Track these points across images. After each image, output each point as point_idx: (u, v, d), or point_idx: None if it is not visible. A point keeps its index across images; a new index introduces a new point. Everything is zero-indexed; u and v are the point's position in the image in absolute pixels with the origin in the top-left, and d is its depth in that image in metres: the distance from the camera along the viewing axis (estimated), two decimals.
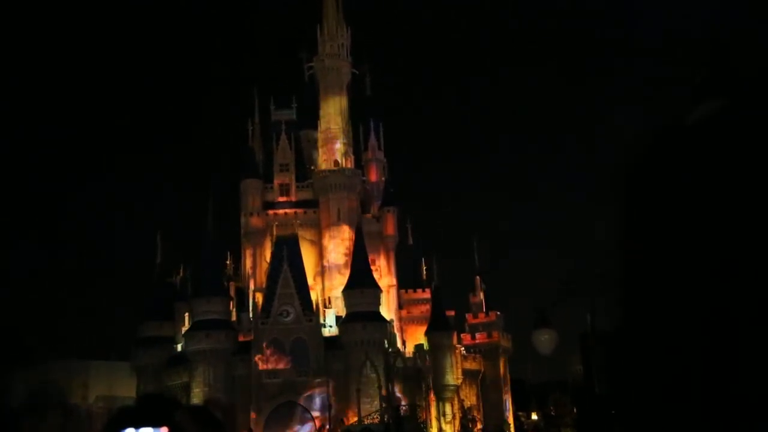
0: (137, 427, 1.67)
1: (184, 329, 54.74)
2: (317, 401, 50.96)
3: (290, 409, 51.01)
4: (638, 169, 1.01)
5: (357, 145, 64.82)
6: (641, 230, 0.99)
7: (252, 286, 58.53)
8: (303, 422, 50.85)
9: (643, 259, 0.98)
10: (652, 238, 0.98)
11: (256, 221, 60.50)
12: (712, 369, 0.88)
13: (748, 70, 1.00)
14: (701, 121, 0.99)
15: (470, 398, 61.65)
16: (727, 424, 0.87)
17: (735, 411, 0.87)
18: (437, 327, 58.70)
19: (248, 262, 60.64)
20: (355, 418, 49.24)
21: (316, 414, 50.70)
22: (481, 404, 62.71)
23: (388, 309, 58.77)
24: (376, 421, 48.34)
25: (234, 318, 54.95)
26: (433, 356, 57.34)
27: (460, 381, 59.05)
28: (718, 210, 0.91)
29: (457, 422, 57.96)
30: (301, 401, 51.02)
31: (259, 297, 55.16)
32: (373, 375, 51.74)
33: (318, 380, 51.14)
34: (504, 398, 64.27)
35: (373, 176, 65.82)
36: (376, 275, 57.60)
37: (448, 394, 57.93)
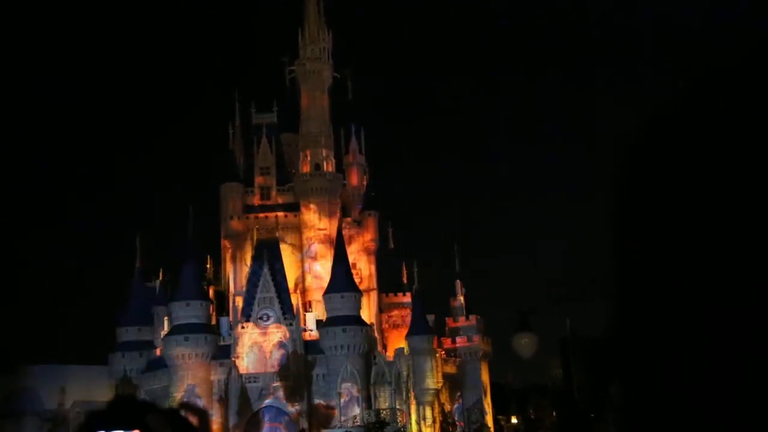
0: (109, 430, 1.64)
1: (163, 333, 54.37)
2: (297, 405, 50.82)
3: (270, 413, 50.83)
4: (633, 166, 1.01)
5: (338, 149, 64.81)
6: (637, 228, 0.99)
7: (232, 290, 58.30)
8: (283, 426, 50.66)
9: (640, 257, 0.98)
10: (647, 236, 0.98)
11: (236, 225, 60.31)
12: (711, 368, 0.88)
13: (739, 67, 1.00)
14: (694, 118, 0.99)
15: (450, 402, 61.71)
16: (727, 423, 0.87)
17: (736, 410, 0.87)
18: (417, 331, 58.74)
19: (228, 266, 60.42)
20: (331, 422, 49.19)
21: (295, 418, 50.55)
22: (461, 408, 62.79)
23: (368, 313, 58.77)
24: (357, 424, 48.34)
25: (214, 322, 54.68)
26: (413, 360, 57.36)
27: (440, 385, 59.11)
28: (714, 206, 0.91)
29: (438, 426, 57.98)
30: (281, 405, 50.85)
31: (240, 301, 54.93)
32: (354, 379, 51.72)
33: (297, 384, 51.01)
34: (484, 402, 64.39)
35: (354, 180, 65.83)
36: (356, 279, 57.58)
37: (429, 398, 57.95)
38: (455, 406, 61.17)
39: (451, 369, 62.16)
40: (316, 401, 51.55)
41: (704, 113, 0.99)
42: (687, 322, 0.90)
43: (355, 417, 49.69)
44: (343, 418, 50.00)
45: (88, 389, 61.12)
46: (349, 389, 51.72)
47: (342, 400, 51.41)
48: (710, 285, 0.88)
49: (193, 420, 1.68)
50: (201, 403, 47.20)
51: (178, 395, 49.91)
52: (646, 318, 0.95)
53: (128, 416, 1.66)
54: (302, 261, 59.99)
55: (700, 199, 0.91)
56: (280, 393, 50.82)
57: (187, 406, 1.72)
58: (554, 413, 61.28)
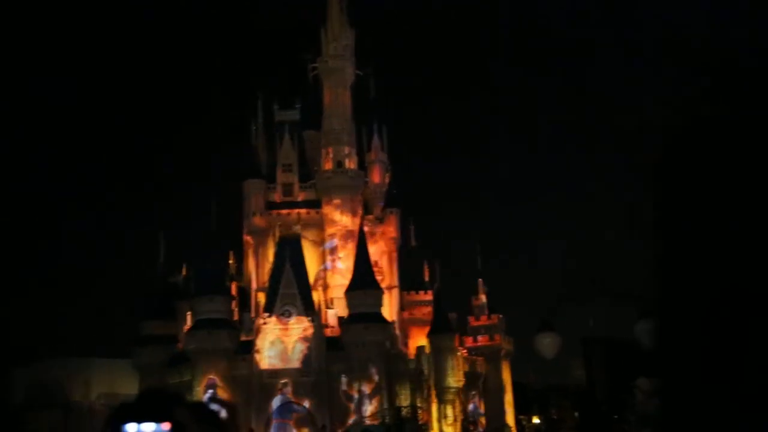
0: (139, 422, 1.66)
1: (186, 328, 54.78)
2: (316, 402, 50.97)
3: (291, 410, 51.01)
4: (672, 161, 1.01)
5: (360, 147, 64.85)
6: (676, 217, 0.99)
7: (254, 286, 58.57)
8: (303, 422, 50.82)
9: (679, 246, 0.99)
10: (687, 225, 0.99)
11: (258, 221, 60.57)
12: (746, 351, 0.89)
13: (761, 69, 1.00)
14: (732, 115, 0.99)
15: (471, 401, 61.61)
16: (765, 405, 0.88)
17: None
18: (439, 329, 58.70)
19: (251, 262, 60.70)
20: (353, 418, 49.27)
21: (315, 414, 50.69)
22: (482, 407, 62.66)
23: (390, 311, 58.78)
24: (377, 422, 48.38)
25: (236, 317, 54.99)
26: (434, 358, 57.32)
27: (461, 383, 59.02)
28: (749, 198, 0.91)
29: (459, 425, 57.91)
30: (303, 402, 51.02)
31: (261, 297, 55.17)
32: (375, 376, 51.78)
33: (318, 380, 51.17)
34: (506, 401, 64.22)
35: (376, 178, 65.83)
36: (378, 277, 57.62)
37: (450, 397, 57.89)
38: (470, 405, 61.02)
39: (472, 368, 62.06)
40: (336, 398, 51.66)
41: (747, 109, 0.99)
42: (722, 307, 0.90)
43: (375, 414, 49.73)
44: (363, 415, 50.05)
45: (112, 382, 61.88)
46: (369, 386, 51.76)
47: (362, 398, 51.47)
48: (745, 271, 0.89)
49: (223, 414, 1.70)
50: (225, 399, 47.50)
51: (200, 390, 50.26)
52: (684, 304, 0.95)
53: (158, 409, 1.68)
54: (324, 258, 60.13)
55: (733, 190, 0.91)
56: (288, 389, 50.97)
57: (216, 400, 1.74)
58: (576, 414, 60.93)
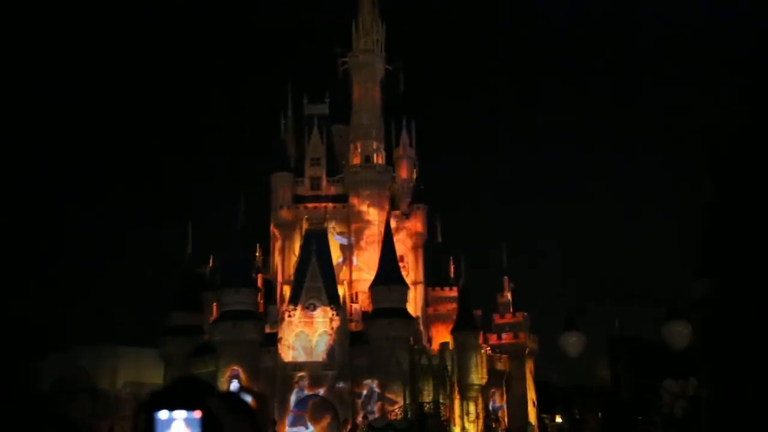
0: (171, 409, 1.68)
1: (211, 319, 55.23)
2: (342, 395, 51.16)
3: (314, 402, 51.26)
4: (733, 150, 1.01)
5: (389, 142, 64.85)
6: (737, 206, 0.99)
7: (280, 279, 58.89)
8: (326, 415, 51.03)
9: (740, 229, 0.99)
10: (747, 213, 0.98)
11: (286, 214, 60.83)
12: None
13: None
14: None
15: (494, 398, 61.45)
16: None
17: None
18: (463, 326, 58.58)
19: (277, 255, 61.03)
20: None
21: (339, 408, 50.89)
22: (505, 405, 62.49)
23: (414, 306, 58.77)
24: (400, 417, 48.43)
25: (261, 310, 55.33)
26: (458, 355, 57.23)
27: (484, 381, 58.88)
28: None
29: (481, 422, 57.80)
30: (326, 395, 51.24)
31: (287, 289, 55.46)
32: (398, 371, 51.82)
33: (341, 374, 51.35)
34: (529, 400, 63.98)
35: (404, 173, 65.82)
36: (403, 272, 57.62)
37: (473, 394, 57.79)
38: (493, 403, 60.85)
39: (496, 365, 61.88)
40: (359, 392, 51.77)
41: None
42: None
43: (398, 410, 49.78)
44: (386, 411, 50.11)
45: (139, 370, 62.61)
46: (391, 382, 51.80)
47: (385, 393, 51.52)
48: None
49: (252, 403, 1.71)
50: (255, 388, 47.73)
51: (224, 380, 50.66)
52: (741, 287, 0.95)
53: (190, 397, 1.70)
54: (350, 252, 60.26)
55: None
56: (305, 382, 51.18)
57: (246, 389, 1.75)
58: (600, 414, 60.51)
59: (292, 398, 51.13)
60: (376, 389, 51.25)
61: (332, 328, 52.39)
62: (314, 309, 52.63)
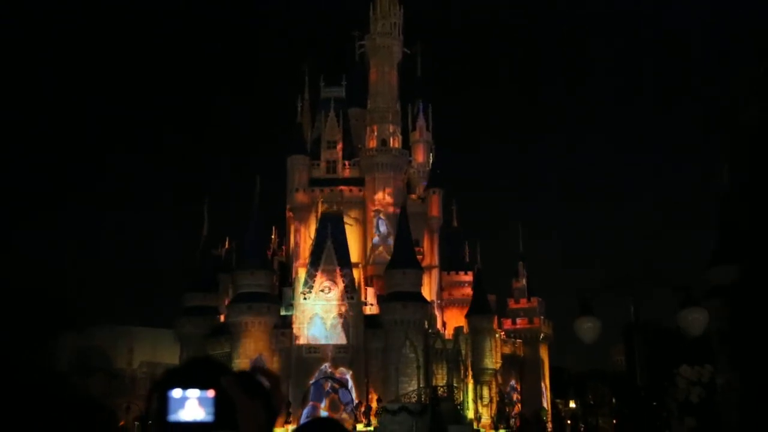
0: (185, 388, 1.68)
1: (227, 300, 55.54)
2: (356, 377, 51.37)
3: (328, 384, 51.52)
4: (750, 137, 1.01)
5: (405, 126, 64.67)
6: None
7: (296, 261, 59.06)
8: (341, 398, 51.29)
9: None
10: None
11: (302, 197, 60.90)
12: None
13: None
14: None
15: (508, 383, 61.54)
16: None
17: None
18: (478, 310, 58.60)
19: (293, 238, 61.17)
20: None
21: (353, 390, 51.12)
22: (519, 389, 62.58)
23: (429, 290, 58.82)
24: (413, 401, 48.60)
25: (276, 292, 55.55)
26: (472, 339, 57.29)
27: (498, 365, 58.95)
28: None
29: (494, 406, 57.92)
30: (340, 377, 51.47)
31: (302, 272, 55.65)
32: (412, 355, 51.95)
33: (356, 357, 51.55)
34: (542, 385, 64.01)
35: (420, 157, 65.65)
36: (418, 256, 57.63)
37: (486, 378, 57.87)
38: (507, 388, 60.94)
39: (510, 350, 61.93)
40: (373, 375, 51.99)
41: None
42: None
43: (412, 393, 49.94)
44: (400, 393, 50.30)
45: (154, 351, 63.20)
46: (406, 365, 51.96)
47: (399, 376, 51.71)
48: None
49: (266, 383, 1.70)
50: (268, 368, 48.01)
51: (239, 362, 50.99)
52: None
53: (204, 376, 1.69)
54: (365, 235, 60.31)
55: None
56: (339, 365, 51.41)
57: (260, 369, 1.74)
58: (614, 399, 60.46)
59: (308, 378, 51.39)
60: (413, 369, 51.25)
61: (347, 311, 52.55)
62: (329, 292, 52.79)
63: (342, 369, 51.52)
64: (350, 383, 51.31)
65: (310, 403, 50.77)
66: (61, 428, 1.75)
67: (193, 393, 1.68)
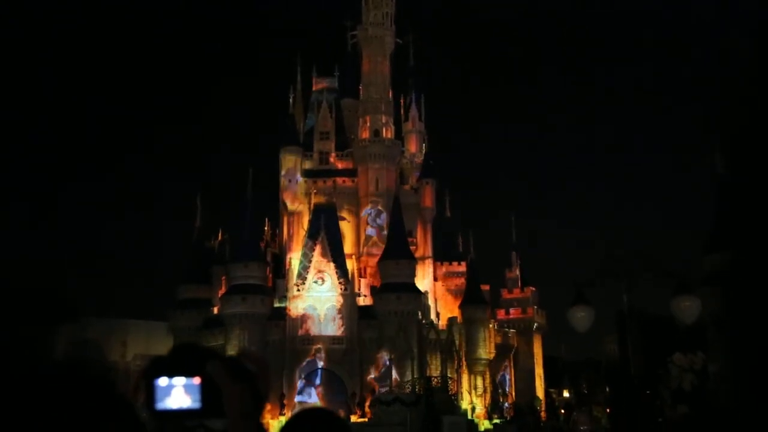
0: (171, 376, 1.65)
1: (220, 292, 55.50)
2: (350, 368, 51.44)
3: (322, 376, 51.60)
4: (744, 123, 1.02)
5: (398, 116, 64.58)
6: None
7: (289, 253, 59.03)
8: (335, 389, 51.37)
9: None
10: None
11: (294, 189, 60.78)
12: None
13: None
14: None
15: (502, 373, 61.71)
16: None
17: None
18: (472, 300, 58.72)
19: (286, 229, 61.11)
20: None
21: (346, 381, 51.21)
22: (512, 379, 62.77)
23: (423, 281, 58.88)
24: (407, 391, 48.71)
25: (270, 284, 55.54)
26: (466, 329, 57.42)
27: (492, 355, 59.12)
28: None
29: (488, 396, 58.12)
30: (333, 368, 51.52)
31: (296, 264, 55.64)
32: (406, 346, 52.04)
33: (349, 348, 51.61)
34: (536, 374, 64.23)
35: (413, 147, 65.61)
36: (412, 247, 57.66)
37: (480, 368, 58.06)
38: (500, 377, 61.12)
39: (504, 340, 62.09)
40: (367, 366, 52.09)
41: None
42: None
43: (406, 384, 50.05)
44: (393, 384, 50.42)
45: (148, 343, 63.05)
46: (400, 356, 52.05)
47: (392, 366, 51.81)
48: None
49: (253, 368, 1.67)
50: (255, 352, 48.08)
51: (233, 354, 50.96)
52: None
53: (190, 363, 1.66)
54: (358, 226, 60.29)
55: None
56: (321, 356, 51.44)
57: (247, 355, 1.71)
58: (608, 388, 60.72)
59: (302, 369, 51.45)
60: (399, 361, 51.31)
61: (341, 303, 52.59)
62: (323, 283, 52.80)
63: (336, 360, 51.60)
64: (344, 374, 51.37)
65: (304, 393, 50.84)
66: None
67: (179, 381, 1.65)
